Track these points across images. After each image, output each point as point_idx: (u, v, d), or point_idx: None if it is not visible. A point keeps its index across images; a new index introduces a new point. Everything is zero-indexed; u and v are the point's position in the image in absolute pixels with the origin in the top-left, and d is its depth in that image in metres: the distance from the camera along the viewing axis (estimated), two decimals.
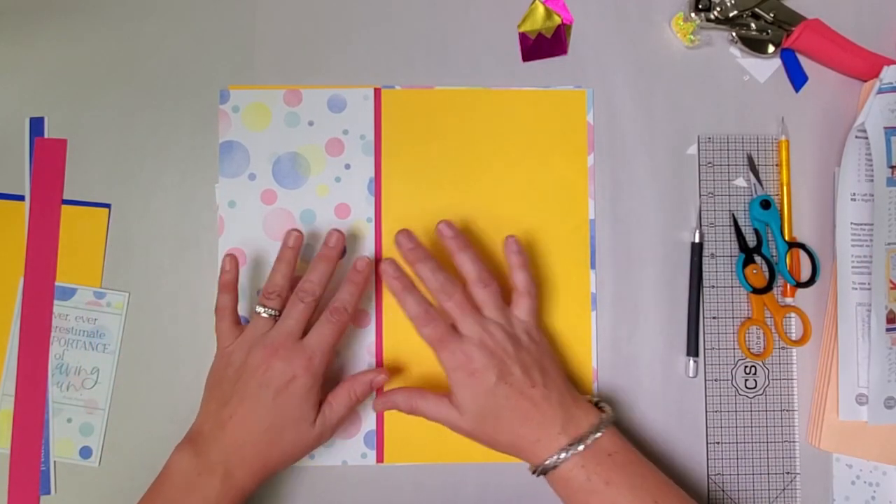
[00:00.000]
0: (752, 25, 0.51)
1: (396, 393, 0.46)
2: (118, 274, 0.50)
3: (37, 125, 0.49)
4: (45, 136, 0.50)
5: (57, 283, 0.49)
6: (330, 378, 0.47)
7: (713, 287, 0.51)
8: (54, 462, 0.48)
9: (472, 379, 0.42)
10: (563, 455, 0.41)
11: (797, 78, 0.52)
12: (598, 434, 0.42)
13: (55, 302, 0.49)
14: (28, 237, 0.49)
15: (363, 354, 0.50)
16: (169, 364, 0.49)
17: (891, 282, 0.48)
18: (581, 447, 0.41)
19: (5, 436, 0.48)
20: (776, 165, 0.51)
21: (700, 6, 0.50)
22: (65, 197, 0.50)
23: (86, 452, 0.49)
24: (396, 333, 0.50)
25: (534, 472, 0.43)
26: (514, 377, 0.42)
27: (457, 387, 0.43)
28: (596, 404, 0.45)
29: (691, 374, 0.50)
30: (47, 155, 0.49)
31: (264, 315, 0.44)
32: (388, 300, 0.50)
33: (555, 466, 0.41)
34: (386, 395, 0.46)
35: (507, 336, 0.43)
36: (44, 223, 0.49)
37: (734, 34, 0.51)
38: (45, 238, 0.49)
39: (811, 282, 0.49)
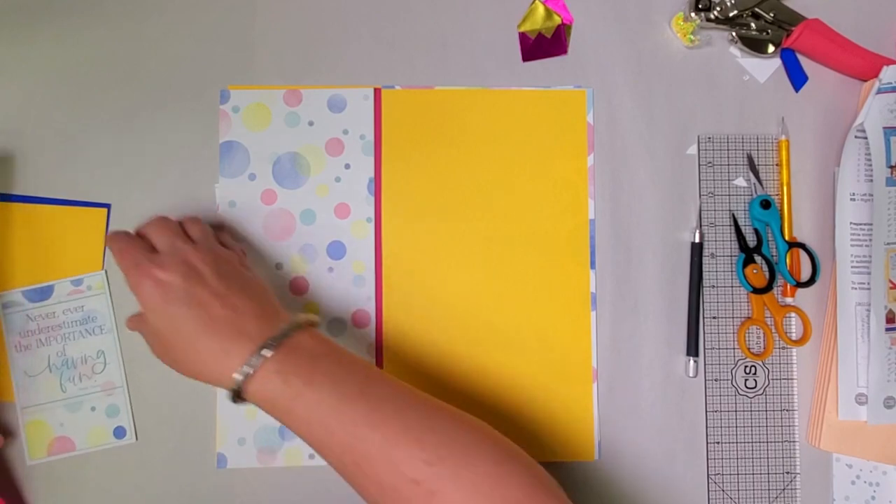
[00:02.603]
0: (752, 25, 0.51)
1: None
2: (118, 274, 0.49)
3: None
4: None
5: (31, 287, 0.49)
6: None
7: (713, 287, 0.51)
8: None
9: (158, 284, 0.39)
10: (254, 360, 0.37)
11: (797, 78, 0.52)
12: (293, 332, 0.38)
13: (36, 304, 0.49)
14: None
15: (363, 354, 0.50)
16: None
17: (890, 282, 0.48)
18: (271, 350, 0.37)
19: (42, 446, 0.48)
20: (776, 165, 0.51)
21: (700, 6, 0.50)
22: (65, 197, 0.50)
23: (120, 432, 0.49)
24: (396, 333, 0.50)
25: (233, 399, 0.38)
26: (204, 278, 0.40)
27: (143, 297, 0.40)
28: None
29: (691, 374, 0.50)
30: None
31: None
32: (388, 300, 0.50)
33: (248, 377, 0.37)
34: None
35: (206, 248, 0.42)
36: None
37: (734, 34, 0.51)
38: None
39: (811, 282, 0.50)
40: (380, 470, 0.36)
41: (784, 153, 0.51)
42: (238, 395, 0.38)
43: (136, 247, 0.42)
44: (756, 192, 0.50)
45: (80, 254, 0.49)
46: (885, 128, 0.49)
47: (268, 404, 0.38)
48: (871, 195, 0.49)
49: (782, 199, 0.50)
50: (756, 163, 0.51)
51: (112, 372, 0.49)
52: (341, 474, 0.38)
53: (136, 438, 0.49)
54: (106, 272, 0.49)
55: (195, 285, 0.39)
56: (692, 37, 0.51)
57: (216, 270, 0.41)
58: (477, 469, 0.35)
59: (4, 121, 0.50)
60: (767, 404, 0.50)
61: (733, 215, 0.51)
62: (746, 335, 0.50)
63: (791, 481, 0.50)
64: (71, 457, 0.48)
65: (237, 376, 0.37)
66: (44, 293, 0.49)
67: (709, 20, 0.51)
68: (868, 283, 0.49)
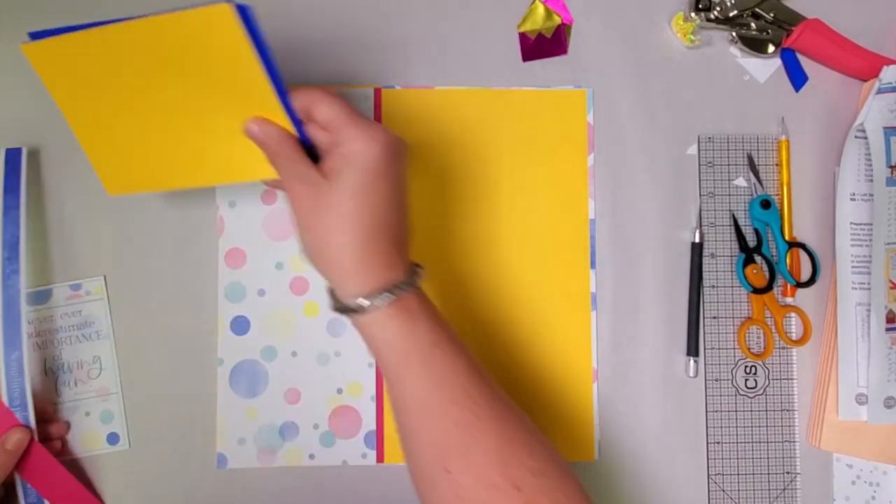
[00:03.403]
0: (752, 25, 0.51)
1: (269, 127, 0.36)
2: (118, 274, 0.50)
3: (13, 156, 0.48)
4: (22, 165, 0.48)
5: (30, 290, 0.49)
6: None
7: (713, 287, 0.51)
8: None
9: (388, 141, 0.35)
10: (385, 295, 0.35)
11: (797, 78, 0.52)
12: (418, 281, 0.37)
13: (35, 307, 0.49)
14: None
15: (364, 355, 0.50)
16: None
17: (890, 282, 0.48)
18: (403, 292, 0.35)
19: None
20: (776, 165, 0.51)
21: (700, 6, 0.50)
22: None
23: (113, 439, 0.49)
24: None
25: (336, 309, 0.37)
26: (401, 174, 0.37)
27: (355, 156, 0.35)
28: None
29: (691, 374, 0.50)
30: None
31: None
32: None
33: (373, 308, 0.35)
34: (264, 123, 0.36)
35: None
36: None
37: (734, 34, 0.51)
38: None
39: (811, 282, 0.50)
40: (485, 463, 0.34)
41: (784, 153, 0.51)
42: (345, 309, 0.36)
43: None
44: (756, 192, 0.50)
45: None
46: (885, 128, 0.49)
47: (380, 341, 0.35)
48: (871, 195, 0.49)
49: (782, 199, 0.50)
50: (756, 163, 0.51)
51: (108, 378, 0.49)
52: (423, 456, 0.35)
53: (130, 445, 0.49)
54: (105, 277, 0.49)
55: (401, 182, 0.36)
56: (692, 37, 0.51)
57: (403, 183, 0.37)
58: (570, 497, 0.34)
59: (5, 121, 0.50)
60: (768, 404, 0.50)
61: (733, 215, 0.51)
62: (746, 335, 0.50)
63: (791, 481, 0.50)
64: (64, 461, 0.48)
65: (364, 301, 0.35)
66: (42, 297, 0.49)
67: (709, 20, 0.51)
68: (868, 283, 0.49)
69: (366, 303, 0.35)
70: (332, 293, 0.37)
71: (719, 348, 0.50)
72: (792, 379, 0.50)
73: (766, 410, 0.50)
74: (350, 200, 0.34)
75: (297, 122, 0.37)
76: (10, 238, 0.46)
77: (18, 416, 0.46)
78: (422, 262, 0.52)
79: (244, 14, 0.33)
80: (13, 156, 0.48)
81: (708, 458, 0.50)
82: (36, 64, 0.39)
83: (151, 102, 0.39)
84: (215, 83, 0.37)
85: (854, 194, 0.50)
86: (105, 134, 0.41)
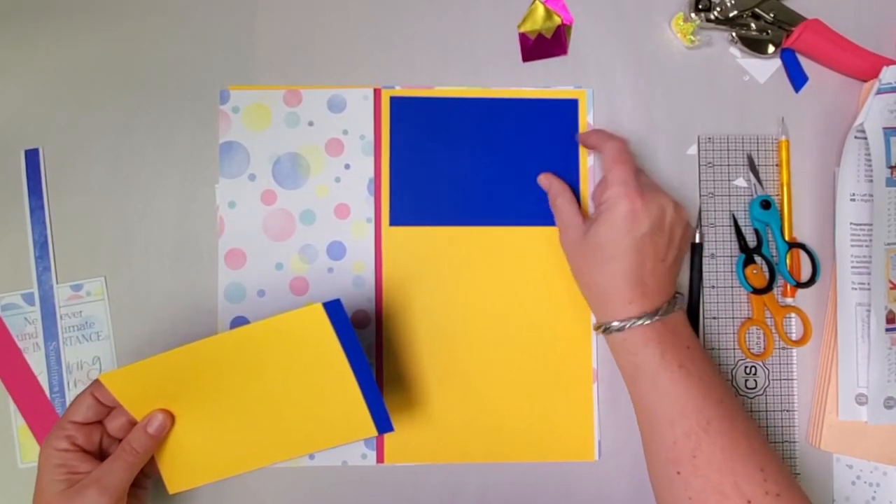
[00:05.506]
0: (752, 26, 0.51)
1: (553, 180, 0.48)
2: (118, 275, 0.50)
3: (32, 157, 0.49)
4: (41, 163, 0.49)
5: (31, 290, 0.49)
6: None
7: (713, 287, 0.51)
8: None
9: (631, 213, 0.42)
10: (639, 321, 0.41)
11: (797, 78, 0.52)
12: (673, 311, 0.42)
13: (35, 307, 0.49)
14: None
15: None
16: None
17: (890, 282, 0.48)
18: (652, 320, 0.41)
19: (34, 448, 0.48)
20: (776, 165, 0.51)
21: (700, 6, 0.50)
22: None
23: None
24: (396, 334, 0.50)
25: (602, 329, 0.43)
26: (662, 236, 0.43)
27: (612, 211, 0.42)
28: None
29: None
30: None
31: None
32: (388, 301, 0.50)
33: (628, 329, 0.42)
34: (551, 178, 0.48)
35: (681, 217, 0.45)
36: None
37: (734, 34, 0.51)
38: None
39: (811, 282, 0.50)
40: (714, 472, 0.39)
41: (784, 153, 0.51)
42: (613, 330, 0.43)
43: (632, 163, 0.44)
44: (756, 192, 0.50)
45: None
46: (884, 128, 0.49)
47: (632, 358, 0.42)
48: (871, 195, 0.49)
49: (782, 200, 0.50)
50: (756, 163, 0.51)
51: None
52: (657, 458, 0.41)
53: None
54: (105, 278, 0.49)
55: (654, 237, 0.43)
56: (692, 37, 0.51)
57: (671, 239, 0.44)
58: None
59: (6, 121, 0.50)
60: (768, 405, 0.50)
61: (733, 216, 0.51)
62: (746, 335, 0.50)
63: None
64: None
65: (616, 324, 0.42)
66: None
67: (709, 20, 0.51)
68: (868, 284, 0.49)
69: (617, 325, 0.42)
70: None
71: (719, 348, 0.50)
72: (792, 379, 0.50)
73: (766, 411, 0.50)
74: (605, 242, 0.43)
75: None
76: (38, 237, 0.49)
77: (56, 404, 0.48)
78: (421, 263, 0.52)
79: (334, 309, 0.40)
80: (32, 157, 0.49)
81: None
82: (113, 389, 0.42)
83: (229, 396, 0.43)
84: (301, 370, 0.43)
85: (854, 194, 0.50)
86: (175, 434, 0.44)
